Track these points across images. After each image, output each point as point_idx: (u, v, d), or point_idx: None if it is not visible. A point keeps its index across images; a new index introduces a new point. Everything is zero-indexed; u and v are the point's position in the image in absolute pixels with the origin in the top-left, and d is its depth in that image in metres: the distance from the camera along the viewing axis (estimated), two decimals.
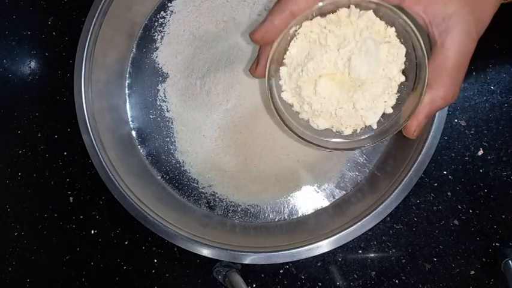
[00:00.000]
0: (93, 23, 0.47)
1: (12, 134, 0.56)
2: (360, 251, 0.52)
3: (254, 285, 0.53)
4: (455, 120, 0.51)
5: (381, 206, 0.44)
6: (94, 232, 0.55)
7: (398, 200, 0.44)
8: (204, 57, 0.52)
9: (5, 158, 0.56)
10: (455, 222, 0.51)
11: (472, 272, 0.51)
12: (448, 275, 0.51)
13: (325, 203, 0.51)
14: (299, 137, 0.33)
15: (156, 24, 0.54)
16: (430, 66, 0.30)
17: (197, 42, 0.53)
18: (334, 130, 0.33)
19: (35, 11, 0.56)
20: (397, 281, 0.52)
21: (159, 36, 0.54)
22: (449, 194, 0.51)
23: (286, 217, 0.51)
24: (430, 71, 0.30)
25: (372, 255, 0.52)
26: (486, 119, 0.51)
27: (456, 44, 0.29)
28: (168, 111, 0.53)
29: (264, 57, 0.33)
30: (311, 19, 0.31)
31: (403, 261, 0.52)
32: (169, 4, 0.53)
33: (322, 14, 0.31)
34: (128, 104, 0.54)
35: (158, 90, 0.53)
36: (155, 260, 0.54)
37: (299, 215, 0.51)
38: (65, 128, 0.55)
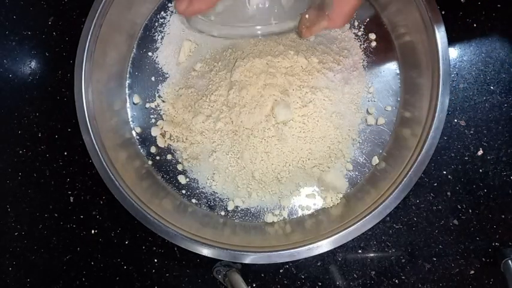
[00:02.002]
0: (94, 23, 0.47)
1: (13, 134, 0.56)
2: (360, 251, 0.52)
3: (254, 285, 0.53)
4: (455, 120, 0.51)
5: (381, 206, 0.44)
6: (94, 232, 0.55)
7: (398, 199, 0.44)
8: (203, 57, 0.52)
9: (5, 158, 0.56)
10: (455, 222, 0.51)
11: (472, 272, 0.52)
12: (448, 275, 0.52)
13: (325, 202, 0.51)
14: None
15: (156, 24, 0.54)
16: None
17: (197, 42, 0.53)
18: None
19: (35, 11, 0.56)
20: (396, 280, 0.52)
21: (159, 37, 0.54)
22: (448, 193, 0.51)
23: (286, 217, 0.51)
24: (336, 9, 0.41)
25: (372, 254, 0.52)
26: (486, 119, 0.51)
27: None
28: (168, 112, 0.53)
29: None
30: None
31: (403, 261, 0.52)
32: (169, 4, 0.54)
33: None
34: (128, 104, 0.54)
35: (158, 90, 0.53)
36: (155, 260, 0.54)
37: (299, 215, 0.51)
38: (65, 128, 0.55)
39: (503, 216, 0.51)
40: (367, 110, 0.51)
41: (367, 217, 0.44)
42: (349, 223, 0.45)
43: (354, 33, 0.52)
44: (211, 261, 0.52)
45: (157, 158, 0.53)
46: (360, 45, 0.52)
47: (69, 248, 0.55)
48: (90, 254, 0.55)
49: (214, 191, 0.52)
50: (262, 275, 0.53)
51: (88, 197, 0.55)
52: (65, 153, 0.55)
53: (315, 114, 0.50)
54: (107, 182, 0.47)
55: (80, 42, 0.47)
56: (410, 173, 0.44)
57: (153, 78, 0.54)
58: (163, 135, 0.53)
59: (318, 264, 0.53)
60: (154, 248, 0.54)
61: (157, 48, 0.54)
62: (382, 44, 0.51)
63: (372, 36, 0.52)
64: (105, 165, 0.46)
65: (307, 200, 0.51)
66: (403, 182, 0.44)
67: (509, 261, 0.49)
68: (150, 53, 0.54)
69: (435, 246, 0.52)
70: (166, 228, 0.46)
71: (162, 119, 0.53)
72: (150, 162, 0.53)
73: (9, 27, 0.56)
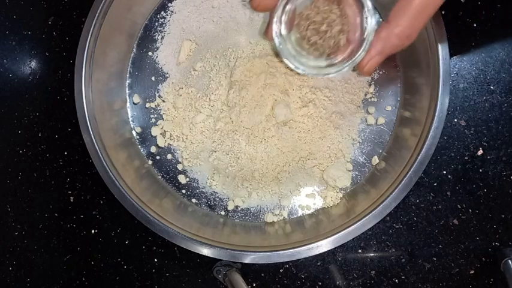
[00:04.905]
0: (94, 23, 0.47)
1: (13, 134, 0.56)
2: (360, 251, 0.52)
3: (254, 285, 0.53)
4: (455, 120, 0.51)
5: (381, 206, 0.44)
6: (94, 232, 0.55)
7: (398, 199, 0.44)
8: (204, 57, 0.52)
9: (5, 158, 0.56)
10: (455, 221, 0.51)
11: (472, 272, 0.52)
12: (448, 275, 0.52)
13: (325, 202, 0.51)
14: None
15: (156, 24, 0.54)
16: (396, 3, 0.32)
17: (197, 42, 0.53)
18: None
19: (35, 11, 0.56)
20: (396, 280, 0.52)
21: (160, 36, 0.54)
22: (448, 193, 0.51)
23: (286, 217, 0.51)
24: (395, 8, 0.32)
25: (372, 254, 0.52)
26: (486, 118, 0.51)
27: None
28: (168, 111, 0.53)
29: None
30: None
31: (403, 260, 0.52)
32: (169, 4, 0.54)
33: None
34: (128, 103, 0.54)
35: (158, 90, 0.53)
36: (155, 260, 0.54)
37: (299, 215, 0.51)
38: (65, 128, 0.55)
39: (503, 216, 0.51)
40: (367, 110, 0.51)
41: (367, 217, 0.44)
42: (349, 223, 0.45)
43: None
44: (211, 261, 0.52)
45: (157, 157, 0.53)
46: None
47: (69, 248, 0.55)
48: (90, 254, 0.55)
49: (214, 191, 0.52)
50: (262, 274, 0.53)
51: (88, 197, 0.55)
52: (65, 153, 0.55)
53: (314, 114, 0.50)
54: (107, 182, 0.47)
55: (80, 42, 0.47)
56: (410, 172, 0.44)
57: (153, 78, 0.54)
58: (163, 134, 0.53)
59: (318, 264, 0.53)
60: (154, 248, 0.54)
61: (157, 48, 0.54)
62: None
63: None
64: (105, 165, 0.46)
65: (307, 200, 0.51)
66: (403, 182, 0.44)
67: (509, 261, 0.49)
68: (150, 53, 0.54)
69: (435, 246, 0.52)
70: (166, 227, 0.46)
71: (162, 119, 0.53)
72: (150, 162, 0.53)
73: (9, 27, 0.56)
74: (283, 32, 0.38)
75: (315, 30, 0.37)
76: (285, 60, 0.39)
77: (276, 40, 0.38)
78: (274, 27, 0.37)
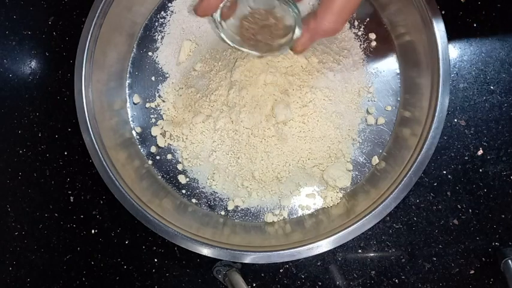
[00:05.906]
0: (94, 23, 0.47)
1: (13, 134, 0.56)
2: (360, 251, 0.52)
3: (254, 285, 0.53)
4: (455, 120, 0.51)
5: (381, 206, 0.44)
6: (94, 232, 0.55)
7: (398, 199, 0.44)
8: (204, 57, 0.52)
9: (5, 158, 0.56)
10: (455, 221, 0.51)
11: (472, 272, 0.52)
12: (448, 275, 0.52)
13: (325, 202, 0.51)
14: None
15: (156, 24, 0.54)
16: (321, 0, 0.36)
17: (197, 42, 0.53)
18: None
19: (35, 11, 0.56)
20: (396, 280, 0.52)
21: (160, 36, 0.54)
22: (448, 193, 0.51)
23: (286, 217, 0.51)
24: (321, 4, 0.36)
25: (372, 254, 0.52)
26: (486, 118, 0.51)
27: None
28: (168, 111, 0.53)
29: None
30: None
31: (403, 260, 0.52)
32: (169, 4, 0.54)
33: None
34: (128, 103, 0.54)
35: (158, 90, 0.53)
36: (155, 260, 0.54)
37: (299, 215, 0.51)
38: (65, 128, 0.55)
39: (503, 216, 0.51)
40: (367, 110, 0.51)
41: (367, 217, 0.44)
42: (349, 223, 0.45)
43: (354, 33, 0.52)
44: (211, 261, 0.52)
45: (157, 157, 0.53)
46: (360, 45, 0.52)
47: (69, 248, 0.55)
48: (90, 254, 0.55)
49: (214, 191, 0.52)
50: (262, 274, 0.53)
51: (88, 197, 0.55)
52: (65, 153, 0.55)
53: (314, 114, 0.50)
54: (107, 182, 0.47)
55: (80, 42, 0.47)
56: (410, 172, 0.44)
57: (153, 78, 0.54)
58: (163, 134, 0.53)
59: (318, 264, 0.53)
60: (155, 248, 0.54)
61: (157, 48, 0.54)
62: (382, 44, 0.51)
63: (372, 36, 0.52)
64: (105, 165, 0.46)
65: (307, 200, 0.51)
66: (403, 182, 0.44)
67: (509, 261, 0.49)
68: (150, 53, 0.54)
69: (435, 246, 0.52)
70: (166, 228, 0.46)
71: (162, 119, 0.53)
72: (150, 162, 0.53)
73: (9, 27, 0.56)
74: (220, 18, 0.42)
75: (253, 35, 0.42)
76: (224, 38, 0.43)
77: (215, 21, 0.42)
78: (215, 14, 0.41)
